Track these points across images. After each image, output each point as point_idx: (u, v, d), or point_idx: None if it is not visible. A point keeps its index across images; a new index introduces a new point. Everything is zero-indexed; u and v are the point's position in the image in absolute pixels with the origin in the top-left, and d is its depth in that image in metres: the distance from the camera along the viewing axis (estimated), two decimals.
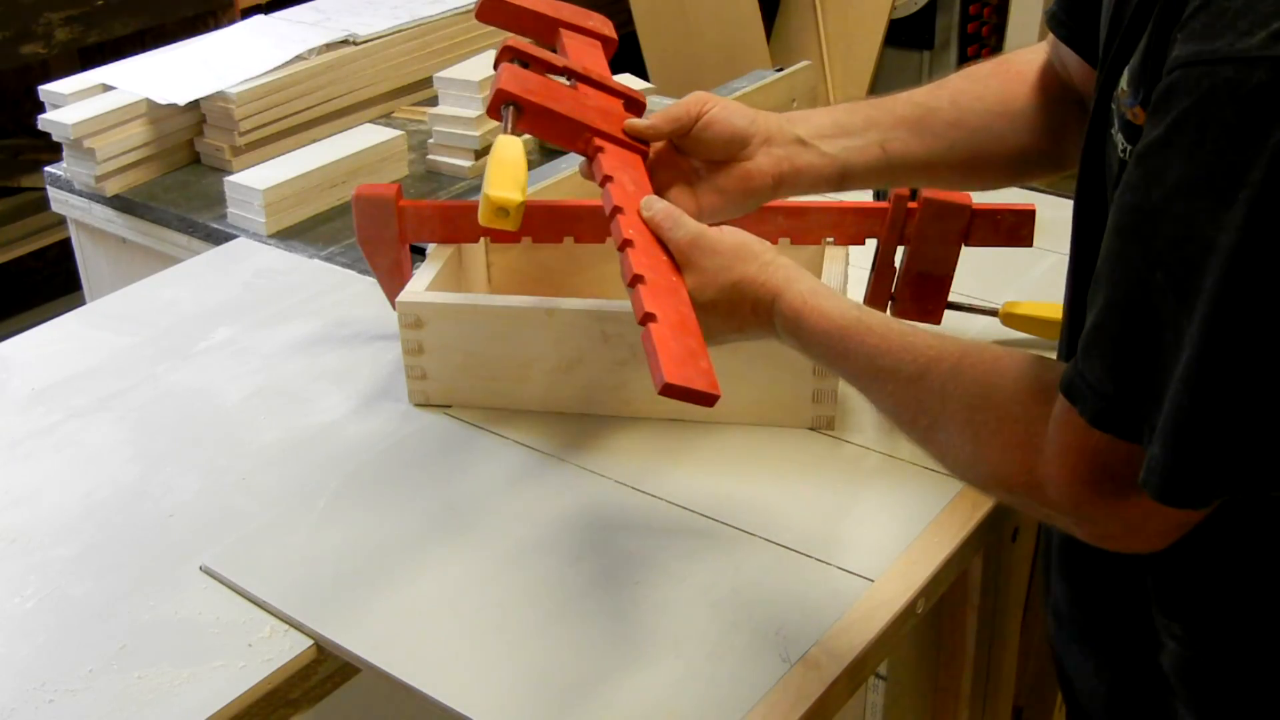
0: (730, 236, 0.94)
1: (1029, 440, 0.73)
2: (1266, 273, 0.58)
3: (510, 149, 0.98)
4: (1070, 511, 0.72)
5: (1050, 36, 1.00)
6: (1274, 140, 0.57)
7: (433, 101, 1.84)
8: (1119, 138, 0.72)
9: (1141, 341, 0.64)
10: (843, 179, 1.05)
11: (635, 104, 1.08)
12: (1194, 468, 0.63)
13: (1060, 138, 1.02)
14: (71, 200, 1.81)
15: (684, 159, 1.05)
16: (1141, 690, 0.85)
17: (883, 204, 1.20)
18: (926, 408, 0.80)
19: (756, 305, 0.91)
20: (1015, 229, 1.20)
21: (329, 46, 1.89)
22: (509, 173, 0.96)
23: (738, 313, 0.92)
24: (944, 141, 1.04)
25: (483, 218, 0.95)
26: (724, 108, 1.03)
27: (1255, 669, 0.78)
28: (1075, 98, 0.99)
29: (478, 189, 1.72)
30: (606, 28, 1.18)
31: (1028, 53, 1.05)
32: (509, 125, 1.00)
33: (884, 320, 0.86)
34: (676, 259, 0.94)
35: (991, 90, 1.04)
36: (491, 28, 1.14)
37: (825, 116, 1.06)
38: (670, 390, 0.82)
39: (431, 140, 1.81)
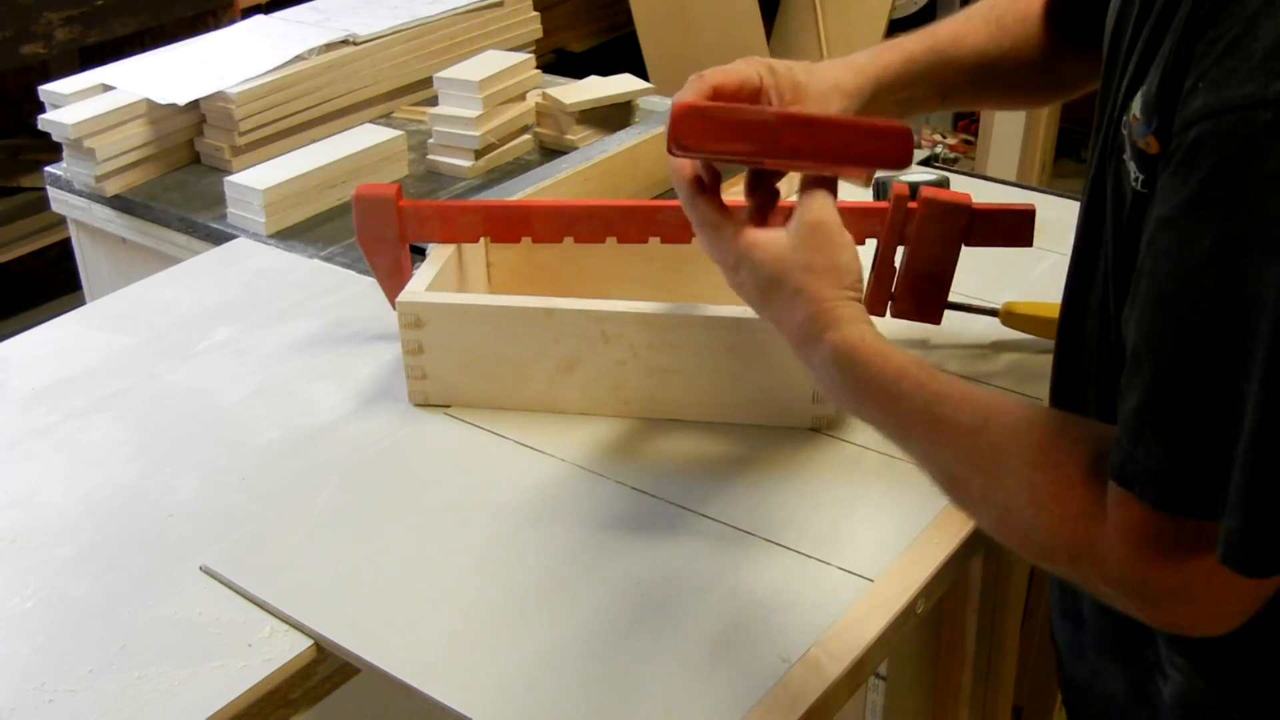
0: (838, 241, 0.87)
1: (1091, 509, 0.69)
2: None
3: None
4: (1136, 589, 0.68)
5: None
6: None
7: (433, 101, 1.84)
8: (1131, 165, 0.69)
9: (1199, 413, 0.61)
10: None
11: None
12: (1275, 534, 0.60)
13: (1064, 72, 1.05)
14: (71, 200, 1.80)
15: None
16: (1158, 703, 0.85)
17: (883, 204, 1.20)
18: (984, 464, 0.75)
19: (806, 320, 0.85)
20: (1015, 229, 1.19)
21: (329, 46, 1.88)
22: None
23: (784, 312, 0.86)
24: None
25: None
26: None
27: (1255, 715, 0.77)
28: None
29: (478, 189, 1.74)
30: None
31: None
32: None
33: (937, 371, 0.81)
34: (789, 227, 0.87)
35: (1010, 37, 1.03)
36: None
37: (903, 90, 1.01)
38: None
39: (431, 140, 1.81)
